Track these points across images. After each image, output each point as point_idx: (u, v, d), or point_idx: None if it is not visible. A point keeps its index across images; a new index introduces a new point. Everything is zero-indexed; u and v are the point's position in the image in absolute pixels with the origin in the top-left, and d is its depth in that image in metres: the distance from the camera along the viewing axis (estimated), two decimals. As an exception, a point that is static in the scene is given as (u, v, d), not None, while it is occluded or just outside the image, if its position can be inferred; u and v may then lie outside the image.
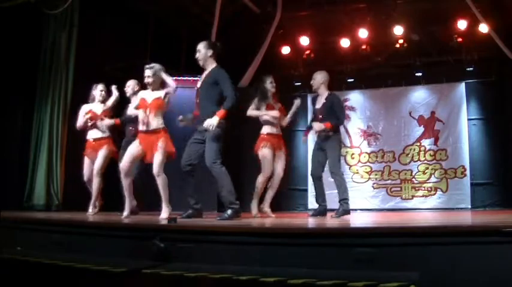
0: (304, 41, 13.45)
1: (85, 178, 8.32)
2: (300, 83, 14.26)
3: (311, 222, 6.83)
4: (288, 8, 12.39)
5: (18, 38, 9.54)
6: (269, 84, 8.05)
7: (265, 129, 8.09)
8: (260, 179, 7.94)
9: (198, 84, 7.29)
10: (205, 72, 7.25)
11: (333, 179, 8.25)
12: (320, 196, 8.35)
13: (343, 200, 7.87)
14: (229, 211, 6.59)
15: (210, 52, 7.20)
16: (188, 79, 12.30)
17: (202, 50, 7.24)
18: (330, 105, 8.03)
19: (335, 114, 8.01)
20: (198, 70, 7.65)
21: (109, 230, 5.16)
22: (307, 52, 13.65)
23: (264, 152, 7.92)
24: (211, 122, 6.62)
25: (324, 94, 8.17)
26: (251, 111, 8.11)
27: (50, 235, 5.38)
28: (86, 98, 8.50)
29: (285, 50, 13.77)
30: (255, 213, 7.82)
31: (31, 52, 9.99)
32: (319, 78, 8.15)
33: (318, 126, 7.96)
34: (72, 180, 9.77)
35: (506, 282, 3.69)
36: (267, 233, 4.54)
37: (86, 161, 8.32)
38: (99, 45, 10.74)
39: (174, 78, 12.48)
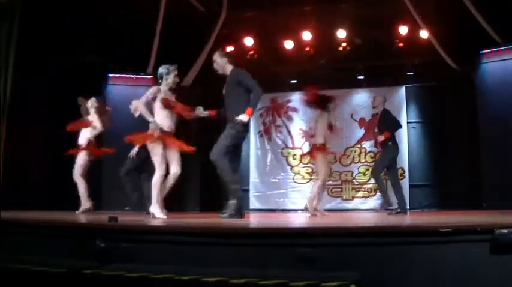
0: (249, 41, 13.45)
1: None
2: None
3: (252, 222, 6.85)
4: (233, 8, 12.36)
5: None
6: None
7: None
8: None
9: (224, 90, 7.51)
10: (227, 78, 7.49)
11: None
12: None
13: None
14: (232, 206, 6.92)
15: (225, 59, 7.54)
16: (131, 77, 12.19)
17: (218, 60, 7.55)
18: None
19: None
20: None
21: (50, 229, 5.04)
22: (251, 53, 13.64)
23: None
24: (242, 119, 7.01)
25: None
26: None
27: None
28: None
29: (229, 50, 13.74)
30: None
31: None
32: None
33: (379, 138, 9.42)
34: (10, 179, 9.53)
35: (444, 281, 3.78)
36: (209, 233, 4.52)
37: None
38: (42, 41, 10.47)
39: (117, 75, 12.45)
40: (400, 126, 9.83)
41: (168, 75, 7.16)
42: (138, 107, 7.27)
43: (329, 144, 9.11)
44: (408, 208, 12.55)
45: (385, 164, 9.55)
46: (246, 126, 7.24)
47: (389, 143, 9.34)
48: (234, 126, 7.07)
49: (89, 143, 9.20)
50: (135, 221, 5.84)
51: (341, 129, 10.10)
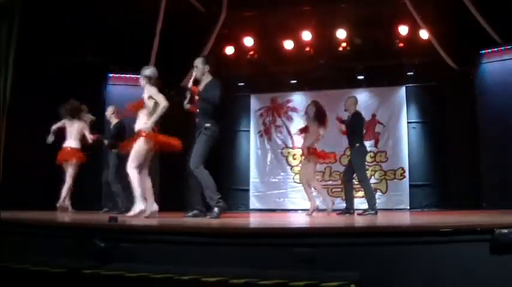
0: (249, 41, 13.45)
1: None
2: (243, 84, 14.29)
3: (252, 222, 6.85)
4: (233, 8, 12.35)
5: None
6: None
7: None
8: None
9: (197, 96, 7.37)
10: (202, 85, 7.39)
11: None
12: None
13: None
14: (216, 209, 6.75)
15: (207, 67, 7.42)
16: (131, 77, 12.16)
17: (199, 66, 7.42)
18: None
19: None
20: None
21: (49, 229, 5.04)
22: (251, 53, 13.64)
23: None
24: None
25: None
26: None
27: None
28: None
29: (229, 50, 13.73)
30: None
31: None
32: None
33: None
34: (10, 179, 9.52)
35: (444, 281, 3.78)
36: (209, 233, 4.52)
37: None
38: (42, 41, 10.46)
39: (118, 75, 12.44)
40: (361, 136, 9.68)
41: (155, 77, 7.24)
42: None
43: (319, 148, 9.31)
44: (408, 207, 12.63)
45: (364, 167, 9.67)
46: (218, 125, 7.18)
47: (357, 144, 9.37)
48: (207, 131, 7.02)
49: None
50: (134, 221, 5.84)
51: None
